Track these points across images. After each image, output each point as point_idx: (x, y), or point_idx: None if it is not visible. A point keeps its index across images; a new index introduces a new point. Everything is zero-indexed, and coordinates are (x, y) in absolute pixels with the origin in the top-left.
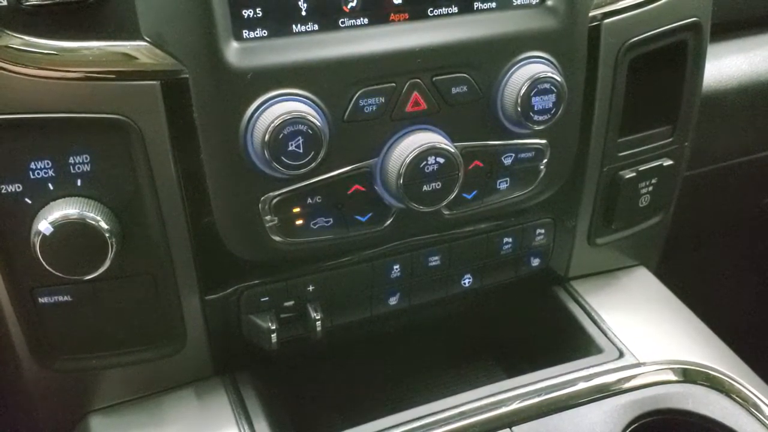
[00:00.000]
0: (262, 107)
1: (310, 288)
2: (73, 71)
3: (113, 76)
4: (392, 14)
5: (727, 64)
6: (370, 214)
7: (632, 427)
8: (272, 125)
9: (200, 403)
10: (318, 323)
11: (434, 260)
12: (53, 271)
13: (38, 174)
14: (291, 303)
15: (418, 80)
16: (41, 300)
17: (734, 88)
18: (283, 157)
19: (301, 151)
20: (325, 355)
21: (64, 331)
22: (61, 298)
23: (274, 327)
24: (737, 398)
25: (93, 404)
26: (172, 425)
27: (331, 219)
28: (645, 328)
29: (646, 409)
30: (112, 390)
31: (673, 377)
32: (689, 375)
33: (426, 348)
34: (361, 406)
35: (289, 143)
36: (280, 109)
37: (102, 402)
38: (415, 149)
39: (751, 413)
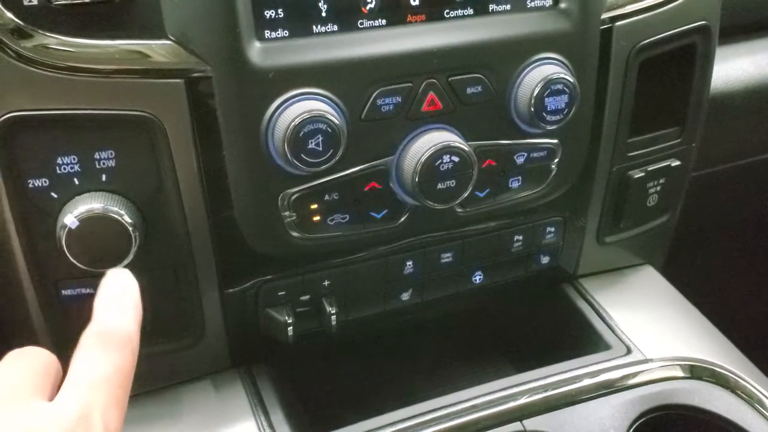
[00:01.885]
0: (283, 106)
1: (326, 283)
2: (100, 69)
3: (138, 74)
4: (409, 15)
5: (734, 67)
6: (385, 211)
7: (639, 421)
8: (293, 124)
9: (218, 395)
10: (333, 317)
11: (446, 257)
12: (78, 264)
13: (64, 169)
14: (307, 297)
15: (434, 80)
16: (64, 292)
17: (741, 90)
18: (302, 155)
19: (321, 149)
20: (340, 349)
21: (85, 323)
22: (84, 291)
23: (290, 321)
24: (742, 395)
25: None
26: (189, 416)
27: (347, 215)
28: (652, 326)
29: (653, 405)
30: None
31: (679, 374)
32: (695, 371)
33: (437, 343)
34: (374, 399)
35: (309, 141)
36: (301, 107)
37: None
38: (430, 148)
39: (756, 409)
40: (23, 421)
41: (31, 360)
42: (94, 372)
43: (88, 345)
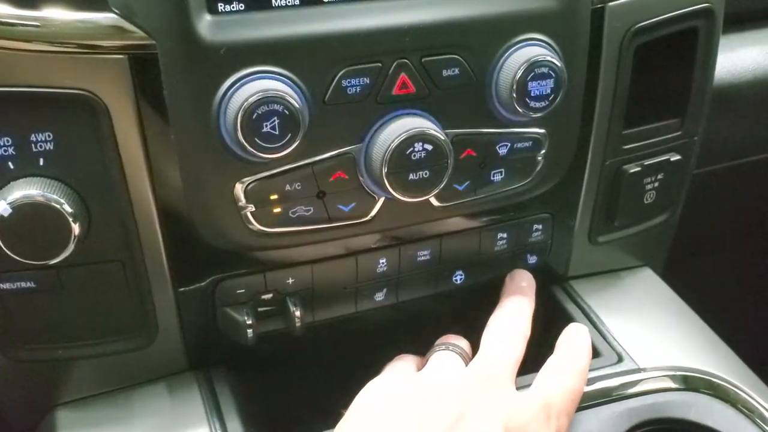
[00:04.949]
0: (236, 85)
1: (290, 281)
2: (35, 43)
3: (78, 48)
4: None
5: (741, 56)
6: (353, 204)
7: None
8: (246, 104)
9: (171, 398)
10: (297, 318)
11: (423, 255)
12: (12, 255)
13: None
14: (269, 296)
15: (406, 61)
16: (2, 286)
17: (748, 81)
18: (257, 139)
19: (277, 132)
20: (307, 351)
21: (28, 319)
22: (24, 285)
23: (250, 321)
24: (743, 408)
25: (60, 397)
26: (140, 421)
27: (311, 208)
28: (647, 332)
29: (645, 418)
30: (80, 383)
31: (674, 385)
32: (692, 383)
33: (414, 348)
34: (344, 408)
35: (264, 124)
36: (255, 87)
37: (70, 395)
38: (401, 135)
39: (757, 425)
40: (501, 401)
41: (514, 349)
42: (557, 384)
43: (553, 368)
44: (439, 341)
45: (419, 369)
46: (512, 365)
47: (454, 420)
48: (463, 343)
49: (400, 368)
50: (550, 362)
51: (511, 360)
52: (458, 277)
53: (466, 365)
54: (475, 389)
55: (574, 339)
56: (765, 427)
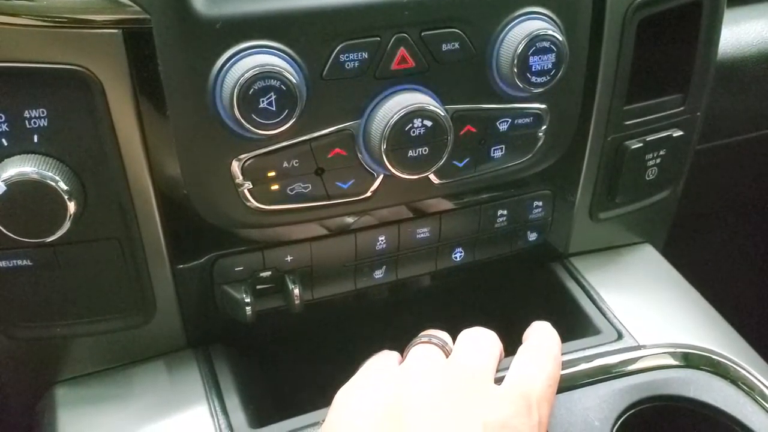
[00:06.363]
0: (232, 60)
1: (289, 258)
2: (28, 17)
3: (71, 23)
4: None
5: (746, 30)
6: (352, 181)
7: (629, 413)
8: (242, 79)
9: (170, 376)
10: (296, 296)
11: (423, 232)
12: (8, 233)
13: None
14: (268, 274)
15: (405, 35)
16: None
17: (753, 56)
18: (253, 115)
19: (274, 108)
20: (307, 329)
21: (26, 297)
22: (20, 263)
23: (248, 299)
24: (743, 386)
25: (59, 375)
26: (139, 398)
27: (309, 185)
28: (647, 309)
29: (644, 395)
30: (79, 360)
31: (674, 362)
32: (692, 360)
33: (414, 325)
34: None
35: (261, 100)
36: (251, 62)
37: (68, 373)
38: (400, 110)
39: (757, 402)
40: (481, 398)
41: (493, 346)
42: (533, 373)
43: (526, 357)
44: (421, 334)
45: (400, 363)
46: (493, 361)
47: (435, 418)
48: (445, 336)
49: (381, 363)
50: (522, 351)
51: (492, 356)
52: (458, 255)
53: (447, 357)
54: (455, 387)
55: (541, 327)
56: (765, 404)
